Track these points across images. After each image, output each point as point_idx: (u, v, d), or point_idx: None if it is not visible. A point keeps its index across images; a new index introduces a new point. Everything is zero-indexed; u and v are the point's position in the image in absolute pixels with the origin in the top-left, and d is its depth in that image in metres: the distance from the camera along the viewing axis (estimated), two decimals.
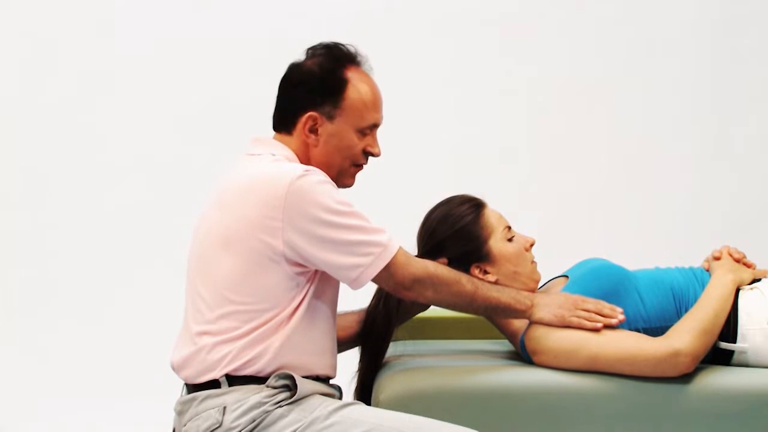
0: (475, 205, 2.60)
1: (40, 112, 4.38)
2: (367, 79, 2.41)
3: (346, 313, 2.64)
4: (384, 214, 4.29)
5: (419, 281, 2.32)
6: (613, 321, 2.43)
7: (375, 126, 2.42)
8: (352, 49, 2.41)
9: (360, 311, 2.64)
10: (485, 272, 2.57)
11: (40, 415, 4.23)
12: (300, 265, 2.29)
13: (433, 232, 2.58)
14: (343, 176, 2.43)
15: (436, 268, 2.36)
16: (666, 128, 4.57)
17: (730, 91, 4.58)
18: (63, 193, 4.38)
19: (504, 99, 4.52)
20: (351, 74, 2.39)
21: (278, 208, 2.24)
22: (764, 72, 4.59)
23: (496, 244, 2.58)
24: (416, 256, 2.57)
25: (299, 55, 2.44)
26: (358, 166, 2.45)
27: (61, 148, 4.38)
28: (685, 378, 2.41)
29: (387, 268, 2.29)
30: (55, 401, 4.24)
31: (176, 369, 2.38)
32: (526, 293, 2.48)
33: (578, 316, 2.43)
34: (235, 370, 2.28)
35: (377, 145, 2.44)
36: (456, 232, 2.56)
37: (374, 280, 2.31)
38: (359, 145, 2.40)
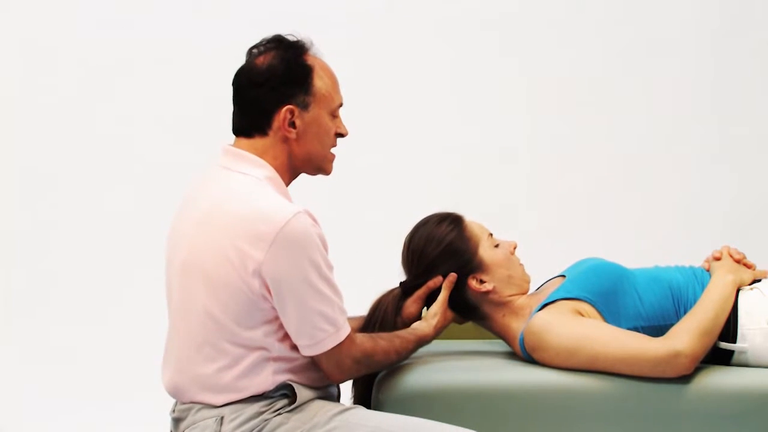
0: (454, 220, 2.61)
1: (40, 112, 4.38)
2: (323, 62, 2.39)
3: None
4: (384, 215, 4.31)
5: (356, 362, 2.32)
6: None
7: (341, 105, 2.41)
8: (295, 38, 2.38)
9: (359, 318, 2.62)
10: (481, 282, 2.58)
11: (40, 415, 4.23)
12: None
13: (421, 255, 2.58)
14: (325, 163, 2.40)
15: (373, 348, 2.35)
16: (666, 128, 4.57)
17: (730, 92, 4.58)
18: (63, 193, 4.38)
19: (504, 99, 4.52)
20: (310, 60, 2.36)
21: (262, 249, 2.20)
22: (764, 72, 4.59)
23: (486, 252, 2.59)
24: (406, 281, 2.61)
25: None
26: (333, 154, 2.42)
27: (61, 148, 4.38)
28: (685, 378, 2.41)
29: (332, 350, 2.27)
30: (55, 401, 4.24)
31: (170, 394, 2.37)
32: (408, 332, 2.50)
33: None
34: (232, 398, 2.28)
35: (344, 125, 2.42)
36: (444, 249, 2.57)
37: (317, 357, 2.29)
38: (333, 128, 2.38)
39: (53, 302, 4.35)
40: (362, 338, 2.34)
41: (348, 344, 2.29)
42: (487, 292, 2.58)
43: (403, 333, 2.47)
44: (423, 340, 2.50)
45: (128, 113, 4.39)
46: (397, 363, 2.46)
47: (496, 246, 2.61)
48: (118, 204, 4.38)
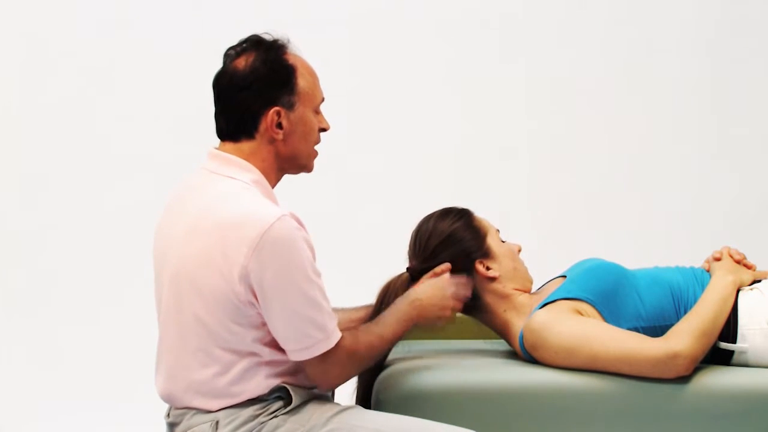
0: (460, 211, 2.64)
1: (40, 112, 4.38)
2: (302, 59, 2.38)
3: (343, 310, 2.63)
4: (384, 214, 4.31)
5: (343, 367, 2.29)
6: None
7: (323, 101, 2.40)
8: (273, 37, 2.37)
9: (367, 307, 2.62)
10: (488, 268, 2.59)
11: (40, 415, 4.23)
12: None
13: (428, 240, 2.60)
14: (309, 161, 2.39)
15: (355, 346, 2.30)
16: (666, 128, 4.57)
17: (730, 91, 4.58)
18: (63, 193, 4.38)
19: (504, 99, 4.52)
20: (291, 59, 2.35)
21: (246, 254, 2.19)
22: (764, 72, 4.59)
23: (494, 241, 2.62)
24: (413, 265, 2.60)
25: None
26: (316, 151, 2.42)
27: (61, 147, 4.38)
28: (685, 378, 2.41)
29: (321, 357, 2.25)
30: (55, 402, 4.24)
31: (165, 401, 2.37)
32: (400, 311, 2.43)
33: (447, 307, 2.48)
34: (227, 403, 2.27)
35: (326, 120, 2.42)
36: (451, 234, 2.58)
37: (305, 362, 2.26)
38: (317, 124, 2.38)
39: (53, 302, 4.35)
40: (349, 340, 2.29)
41: (337, 351, 2.26)
42: (493, 279, 2.59)
43: (390, 312, 2.41)
44: (415, 302, 2.43)
45: (128, 113, 4.39)
46: (397, 341, 2.40)
47: (503, 242, 2.65)
48: (118, 204, 4.38)
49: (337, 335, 2.26)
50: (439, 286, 2.49)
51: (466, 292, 2.56)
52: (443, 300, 2.48)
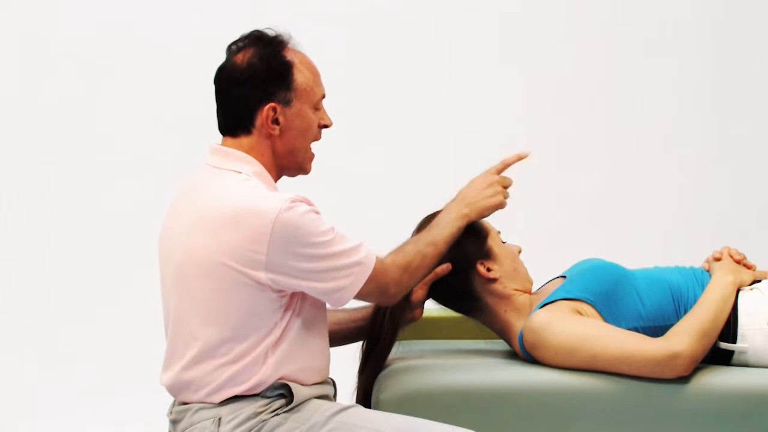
0: None
1: (40, 112, 4.38)
2: (302, 55, 2.39)
3: (343, 311, 2.64)
4: (384, 214, 4.31)
5: (398, 283, 2.33)
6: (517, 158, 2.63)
7: (323, 97, 2.41)
8: (274, 32, 2.38)
9: (355, 310, 2.63)
10: (489, 269, 2.59)
11: (40, 415, 4.23)
12: (284, 290, 2.28)
13: None
14: (305, 161, 2.41)
15: (404, 258, 2.35)
16: (666, 129, 4.57)
17: (730, 92, 4.58)
18: (63, 193, 4.38)
19: (504, 99, 4.52)
20: (290, 55, 2.36)
21: (263, 242, 2.21)
22: (764, 72, 4.59)
23: (495, 243, 2.63)
24: None
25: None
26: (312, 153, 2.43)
27: (61, 147, 4.38)
28: (685, 378, 2.41)
29: (368, 283, 2.28)
30: (54, 401, 4.24)
31: (169, 392, 2.37)
32: (451, 211, 2.47)
33: (498, 193, 2.53)
34: (231, 393, 2.27)
35: (327, 116, 2.43)
36: None
37: (357, 297, 2.30)
38: (316, 121, 2.39)
39: (53, 302, 4.35)
40: (391, 257, 2.34)
41: (379, 272, 2.29)
42: (494, 280, 2.59)
43: (440, 216, 2.46)
44: (462, 200, 2.48)
45: (128, 112, 4.40)
46: (445, 247, 2.42)
47: (503, 243, 2.66)
48: (118, 204, 4.38)
49: (371, 260, 2.29)
50: (481, 179, 2.54)
51: (508, 181, 2.61)
52: (491, 188, 2.54)
